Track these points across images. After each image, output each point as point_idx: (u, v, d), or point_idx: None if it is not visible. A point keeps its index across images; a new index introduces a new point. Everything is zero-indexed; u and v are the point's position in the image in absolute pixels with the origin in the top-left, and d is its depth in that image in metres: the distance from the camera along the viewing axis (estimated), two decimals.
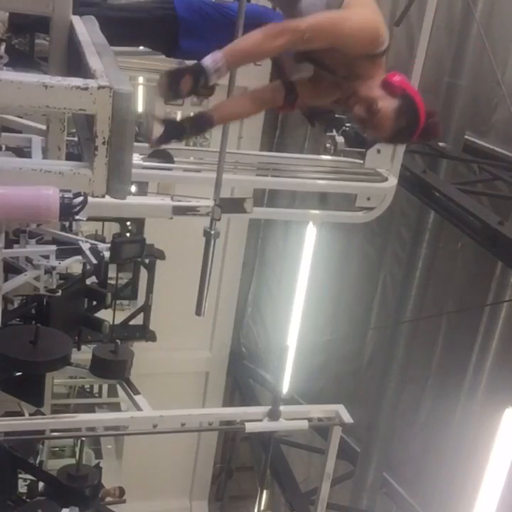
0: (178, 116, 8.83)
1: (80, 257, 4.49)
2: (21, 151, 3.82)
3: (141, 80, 7.85)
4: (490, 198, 5.78)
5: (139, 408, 4.02)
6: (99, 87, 2.02)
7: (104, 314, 5.47)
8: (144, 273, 7.55)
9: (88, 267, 4.70)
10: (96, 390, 10.35)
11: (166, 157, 3.34)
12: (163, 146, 3.02)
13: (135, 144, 2.22)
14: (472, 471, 5.83)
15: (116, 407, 8.52)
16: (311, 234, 8.35)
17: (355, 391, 7.70)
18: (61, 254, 4.38)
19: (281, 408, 3.81)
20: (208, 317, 9.26)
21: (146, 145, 2.96)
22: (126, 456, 9.84)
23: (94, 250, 4.48)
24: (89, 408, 9.44)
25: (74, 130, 3.10)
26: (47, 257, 4.31)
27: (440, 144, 5.85)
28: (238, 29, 2.52)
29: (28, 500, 4.60)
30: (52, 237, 4.40)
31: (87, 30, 2.59)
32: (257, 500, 6.37)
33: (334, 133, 4.95)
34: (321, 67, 2.64)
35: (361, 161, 3.98)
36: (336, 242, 8.04)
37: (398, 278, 6.91)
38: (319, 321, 8.44)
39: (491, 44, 5.43)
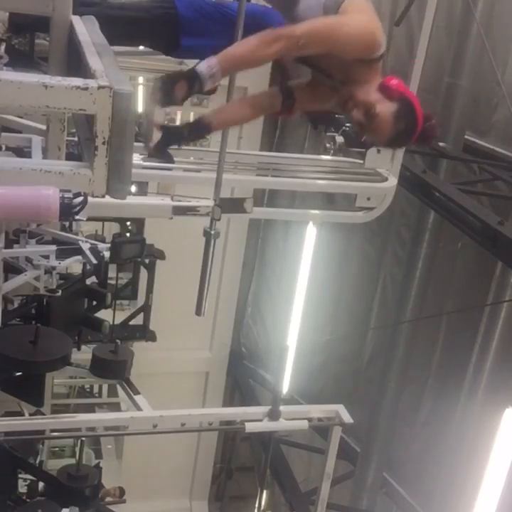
0: (178, 116, 8.86)
1: (79, 257, 4.49)
2: (21, 151, 3.82)
3: (141, 79, 7.85)
4: (490, 198, 5.78)
5: (139, 408, 4.02)
6: (99, 87, 2.02)
7: (104, 314, 5.47)
8: (144, 273, 7.55)
9: (88, 267, 4.69)
10: (96, 390, 10.35)
11: (166, 157, 3.34)
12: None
13: (135, 143, 2.22)
14: (472, 471, 5.83)
15: (116, 407, 8.52)
16: (311, 234, 8.35)
17: (355, 391, 7.70)
18: (61, 254, 4.38)
19: (281, 408, 3.81)
20: (208, 317, 9.26)
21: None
22: (126, 456, 9.84)
23: (94, 250, 4.48)
24: (89, 408, 9.43)
25: (74, 130, 3.10)
26: (47, 257, 4.31)
27: (440, 144, 5.85)
28: (238, 29, 2.52)
29: (28, 500, 4.60)
30: (52, 237, 4.40)
31: (87, 30, 2.59)
32: (257, 500, 6.38)
33: (334, 133, 4.96)
34: (318, 71, 2.63)
35: (361, 161, 3.98)
36: (336, 242, 8.04)
37: (398, 278, 6.91)
38: (319, 321, 8.44)
39: (491, 44, 5.43)
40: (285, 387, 8.34)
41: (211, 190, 3.02)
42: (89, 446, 8.51)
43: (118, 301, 7.05)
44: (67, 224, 4.50)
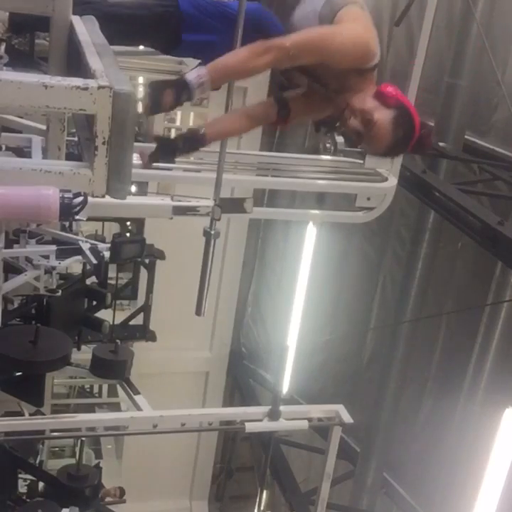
0: (178, 116, 8.84)
1: (79, 257, 4.49)
2: (21, 151, 3.82)
3: (141, 79, 7.85)
4: (490, 198, 5.78)
5: (139, 408, 4.02)
6: (99, 87, 2.02)
7: (104, 314, 5.47)
8: (144, 273, 7.55)
9: (88, 267, 4.70)
10: (96, 390, 10.34)
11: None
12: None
13: (135, 144, 2.22)
14: (472, 471, 5.83)
15: (116, 407, 8.52)
16: (311, 234, 8.35)
17: (355, 391, 7.70)
18: (61, 254, 4.38)
19: (281, 408, 3.81)
20: (208, 317, 9.26)
21: (146, 145, 2.96)
22: (126, 456, 9.84)
23: (94, 250, 4.48)
24: (89, 408, 9.43)
25: (74, 130, 3.10)
26: (47, 257, 4.32)
27: (440, 143, 5.85)
28: (238, 30, 2.51)
29: (28, 500, 4.60)
30: (52, 237, 4.40)
31: (87, 30, 2.59)
32: (257, 500, 6.38)
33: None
34: (313, 80, 2.61)
35: (361, 161, 3.98)
36: (336, 242, 8.04)
37: (398, 278, 6.91)
38: (319, 321, 8.44)
39: (491, 44, 5.43)
40: (285, 387, 8.35)
41: (211, 190, 3.02)
42: (89, 446, 8.50)
43: (118, 301, 7.05)
44: (67, 224, 4.50)
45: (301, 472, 8.37)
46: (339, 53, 2.39)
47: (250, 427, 3.79)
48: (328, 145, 6.31)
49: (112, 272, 6.12)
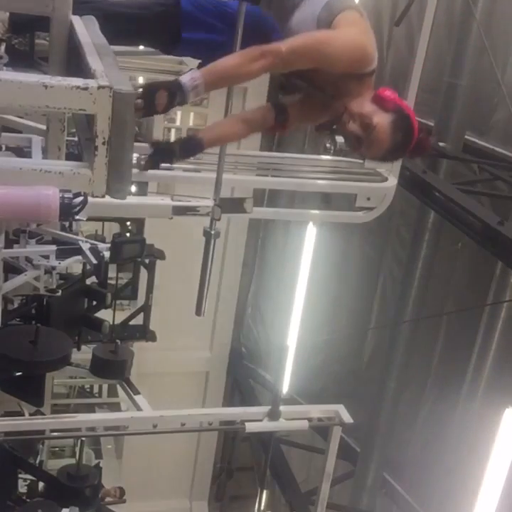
0: (178, 116, 8.84)
1: (79, 257, 4.48)
2: (21, 151, 3.82)
3: (141, 80, 7.85)
4: (490, 198, 5.78)
5: (139, 408, 4.03)
6: (99, 87, 2.02)
7: (104, 314, 5.46)
8: (144, 273, 7.55)
9: (88, 267, 4.69)
10: (96, 390, 10.34)
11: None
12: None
13: (135, 144, 2.22)
14: (472, 471, 5.83)
15: (116, 407, 8.52)
16: (311, 234, 8.35)
17: (355, 391, 7.70)
18: (61, 254, 4.38)
19: (281, 408, 3.81)
20: (208, 317, 9.26)
21: (147, 145, 2.96)
22: (126, 456, 9.84)
23: (94, 250, 4.47)
24: (89, 408, 9.43)
25: (74, 130, 3.10)
26: (47, 257, 4.31)
27: (440, 143, 5.85)
28: (237, 32, 2.51)
29: (28, 500, 4.60)
30: (52, 237, 4.39)
31: (87, 30, 2.59)
32: (257, 500, 6.38)
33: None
34: (310, 85, 2.60)
35: (361, 161, 3.97)
36: (336, 242, 8.04)
37: (398, 278, 6.91)
38: (319, 321, 8.44)
39: (491, 44, 5.43)
40: (285, 387, 8.35)
41: (211, 190, 3.02)
42: (89, 446, 8.50)
43: (118, 301, 7.04)
44: (67, 224, 4.49)
45: (301, 472, 8.37)
46: (336, 58, 2.38)
47: (250, 427, 3.79)
48: (328, 145, 6.31)
49: (112, 272, 6.11)
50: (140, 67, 7.11)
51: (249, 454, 9.58)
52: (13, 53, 3.50)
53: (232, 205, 3.31)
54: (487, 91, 5.85)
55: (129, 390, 4.37)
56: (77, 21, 2.67)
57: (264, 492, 6.82)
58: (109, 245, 4.69)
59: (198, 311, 3.09)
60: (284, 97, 2.88)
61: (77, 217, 2.16)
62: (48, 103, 2.04)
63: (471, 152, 6.02)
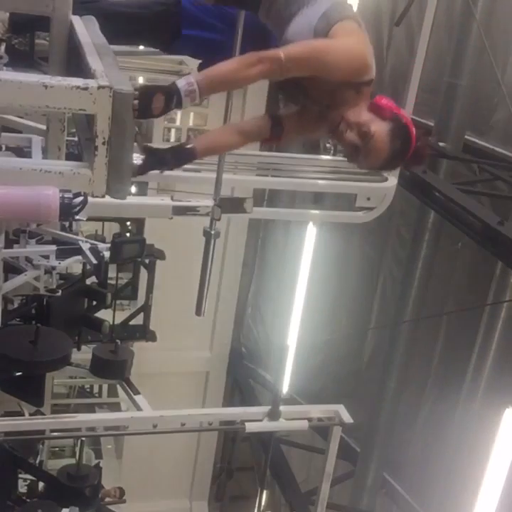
0: (178, 116, 8.82)
1: (79, 257, 4.49)
2: (21, 151, 3.82)
3: (141, 80, 7.84)
4: (490, 198, 5.78)
5: (139, 408, 4.03)
6: (99, 87, 2.02)
7: (104, 314, 5.47)
8: (144, 273, 7.55)
9: (88, 267, 4.69)
10: (96, 390, 10.35)
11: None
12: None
13: (135, 143, 2.22)
14: (472, 471, 5.83)
15: (116, 407, 8.52)
16: (311, 234, 8.35)
17: (355, 391, 7.70)
18: (61, 254, 4.38)
19: (281, 408, 3.81)
20: (208, 317, 9.25)
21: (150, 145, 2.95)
22: (126, 456, 9.84)
23: (94, 250, 4.47)
24: (89, 408, 9.43)
25: (74, 130, 3.10)
26: (47, 257, 4.31)
27: (440, 143, 5.85)
28: (237, 32, 2.51)
29: (28, 500, 4.60)
30: (52, 237, 4.39)
31: (87, 30, 2.59)
32: (257, 500, 6.36)
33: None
34: (305, 96, 2.59)
35: None
36: (336, 242, 8.04)
37: (398, 278, 6.91)
38: (319, 320, 8.44)
39: (491, 44, 5.43)
40: (285, 387, 8.34)
41: (211, 189, 3.03)
42: (89, 446, 8.49)
43: (118, 301, 7.04)
44: (67, 224, 4.50)
45: (301, 472, 8.37)
46: (334, 66, 2.37)
47: (250, 427, 3.79)
48: (328, 145, 6.32)
49: (112, 272, 6.12)
50: (140, 67, 7.09)
51: (249, 454, 9.58)
52: (13, 53, 3.51)
53: (232, 205, 3.31)
54: (487, 91, 5.85)
55: (129, 390, 4.37)
56: (77, 21, 2.67)
57: (264, 492, 6.83)
58: (109, 245, 4.69)
59: (198, 311, 3.09)
60: (281, 108, 2.86)
61: (77, 217, 2.16)
62: (48, 103, 2.04)
63: (471, 152, 6.01)
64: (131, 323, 7.54)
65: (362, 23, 2.52)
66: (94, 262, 4.45)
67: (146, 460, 9.58)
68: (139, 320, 7.56)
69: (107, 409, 9.06)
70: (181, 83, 2.24)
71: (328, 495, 4.10)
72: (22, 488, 4.96)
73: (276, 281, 9.72)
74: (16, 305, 4.66)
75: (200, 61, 3.47)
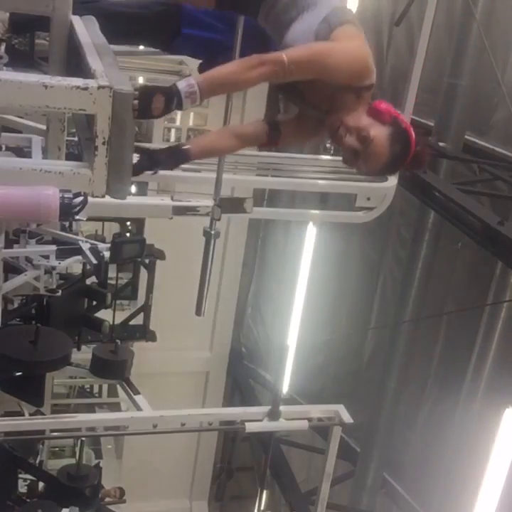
0: (178, 116, 8.82)
1: (79, 257, 4.49)
2: (21, 151, 3.82)
3: (141, 80, 7.85)
4: (490, 198, 5.78)
5: (139, 408, 4.03)
6: (99, 87, 2.02)
7: (104, 314, 5.47)
8: (144, 273, 7.55)
9: (88, 267, 4.69)
10: (96, 390, 10.35)
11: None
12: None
13: (135, 143, 2.22)
14: (472, 471, 5.83)
15: (116, 407, 8.52)
16: (311, 234, 8.35)
17: (355, 391, 7.70)
18: (61, 254, 4.38)
19: (281, 408, 3.81)
20: (208, 317, 9.26)
21: (147, 145, 2.95)
22: (126, 456, 9.84)
23: (94, 250, 4.47)
24: (89, 408, 9.43)
25: (74, 130, 3.10)
26: (47, 257, 4.31)
27: (440, 143, 5.85)
28: (237, 41, 2.51)
29: (28, 500, 4.60)
30: (52, 237, 4.39)
31: (87, 30, 2.59)
32: (257, 500, 6.36)
33: None
34: (303, 102, 2.59)
35: None
36: (336, 242, 8.04)
37: (398, 278, 6.91)
38: (319, 321, 8.44)
39: (491, 44, 5.43)
40: (285, 387, 8.34)
41: (211, 189, 3.03)
42: (89, 446, 8.50)
43: (118, 301, 7.05)
44: (67, 224, 4.50)
45: (301, 472, 8.37)
46: (336, 69, 2.36)
47: (250, 427, 3.79)
48: (328, 145, 6.31)
49: (112, 272, 6.12)
50: (140, 67, 7.10)
51: (249, 454, 9.58)
52: (13, 53, 3.51)
53: (232, 205, 3.31)
54: (487, 91, 5.85)
55: (129, 390, 4.37)
56: (77, 21, 2.67)
57: (264, 492, 6.82)
58: (109, 245, 4.69)
59: (198, 311, 3.09)
60: (281, 110, 2.85)
61: (77, 217, 2.16)
62: (48, 103, 2.04)
63: (471, 152, 6.01)
64: (131, 323, 7.55)
65: (361, 28, 2.52)
66: (94, 262, 4.45)
67: (146, 460, 9.58)
68: (139, 320, 7.57)
69: (107, 409, 9.07)
70: (182, 85, 2.23)
71: (328, 495, 4.10)
72: (22, 488, 4.96)
73: (276, 281, 9.72)
74: (16, 305, 4.67)
75: (200, 61, 3.47)
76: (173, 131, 9.03)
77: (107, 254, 4.59)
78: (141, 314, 7.54)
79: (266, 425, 3.82)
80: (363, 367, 7.90)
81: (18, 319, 4.61)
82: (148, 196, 3.87)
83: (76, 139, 3.02)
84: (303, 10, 2.49)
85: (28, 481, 5.03)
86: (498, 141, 5.93)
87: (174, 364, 9.51)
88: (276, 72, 2.32)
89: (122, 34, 3.16)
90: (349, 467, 7.47)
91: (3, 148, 4.04)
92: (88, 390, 10.34)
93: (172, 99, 2.22)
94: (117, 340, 4.91)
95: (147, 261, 7.21)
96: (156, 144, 7.28)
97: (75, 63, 2.51)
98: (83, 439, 4.75)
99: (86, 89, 2.01)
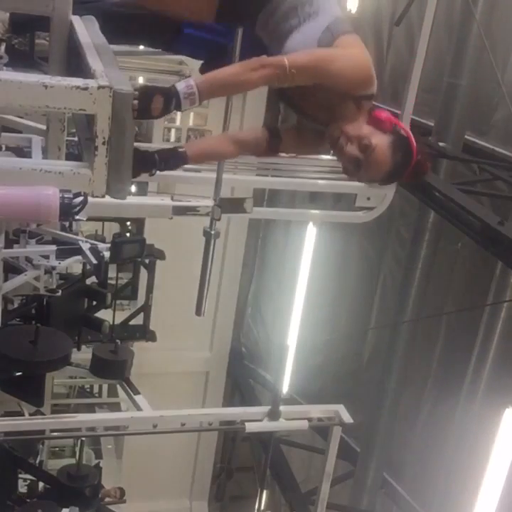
0: (178, 116, 8.83)
1: (79, 257, 4.49)
2: (21, 151, 3.82)
3: (141, 80, 7.85)
4: (490, 198, 5.78)
5: (139, 408, 4.03)
6: (99, 87, 2.02)
7: (104, 314, 5.47)
8: (144, 273, 7.55)
9: (88, 267, 4.69)
10: (96, 390, 10.35)
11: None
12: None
13: (135, 143, 2.22)
14: (472, 471, 5.83)
15: (116, 407, 8.51)
16: (311, 234, 8.35)
17: (354, 391, 7.70)
18: (61, 254, 4.38)
19: (281, 408, 3.81)
20: (208, 317, 9.26)
21: (147, 145, 2.95)
22: (126, 456, 9.84)
23: (94, 250, 4.47)
24: (89, 408, 9.43)
25: (74, 130, 3.10)
26: (47, 257, 4.31)
27: (440, 143, 5.85)
28: (236, 49, 2.51)
29: (28, 500, 4.60)
30: (52, 237, 4.39)
31: (87, 30, 2.58)
32: (257, 500, 6.37)
33: None
34: (301, 112, 2.58)
35: None
36: (336, 242, 8.04)
37: (398, 278, 6.91)
38: (319, 321, 8.44)
39: (491, 44, 5.43)
40: (285, 387, 8.35)
41: (211, 189, 3.02)
42: (89, 446, 8.50)
43: (118, 301, 7.05)
44: (67, 224, 4.50)
45: (301, 472, 8.37)
46: (339, 74, 2.35)
47: (250, 427, 3.79)
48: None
49: (112, 272, 6.12)
50: (140, 67, 7.11)
51: (249, 454, 9.58)
52: (13, 53, 3.50)
53: (232, 205, 3.30)
54: (487, 91, 5.85)
55: (129, 390, 4.37)
56: (77, 21, 2.67)
57: (264, 492, 6.82)
58: (109, 245, 4.69)
59: (198, 311, 3.09)
60: (281, 110, 2.84)
61: (77, 217, 2.15)
62: (48, 103, 2.04)
63: (471, 152, 6.01)
64: (131, 323, 7.55)
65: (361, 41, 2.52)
66: (94, 262, 4.45)
67: (146, 460, 9.58)
68: (139, 320, 7.57)
69: (107, 409, 9.06)
70: (181, 86, 2.23)
71: (328, 495, 4.10)
72: (22, 488, 4.96)
73: (276, 281, 9.73)
74: (16, 305, 4.67)
75: (200, 61, 3.47)
76: (173, 131, 9.03)
77: (107, 254, 4.59)
78: (141, 314, 7.54)
79: (266, 425, 3.82)
80: (362, 367, 7.90)
81: (18, 319, 4.61)
82: (148, 196, 3.87)
83: (76, 139, 3.02)
84: (304, 19, 2.47)
85: (28, 481, 5.03)
86: (498, 141, 5.94)
87: (174, 364, 9.51)
88: (277, 75, 2.30)
89: (122, 34, 3.15)
90: (349, 467, 7.47)
91: (3, 148, 4.04)
92: (88, 390, 10.34)
93: (171, 100, 2.22)
94: (117, 340, 4.91)
95: (147, 261, 7.21)
96: (156, 144, 7.29)
97: (75, 63, 2.51)
98: (83, 439, 4.74)
99: (86, 89, 2.01)
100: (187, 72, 7.14)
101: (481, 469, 5.69)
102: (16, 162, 2.27)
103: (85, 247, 4.45)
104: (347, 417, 3.86)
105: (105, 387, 9.71)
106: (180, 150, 2.54)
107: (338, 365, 8.29)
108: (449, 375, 6.51)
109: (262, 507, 6.85)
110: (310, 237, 8.38)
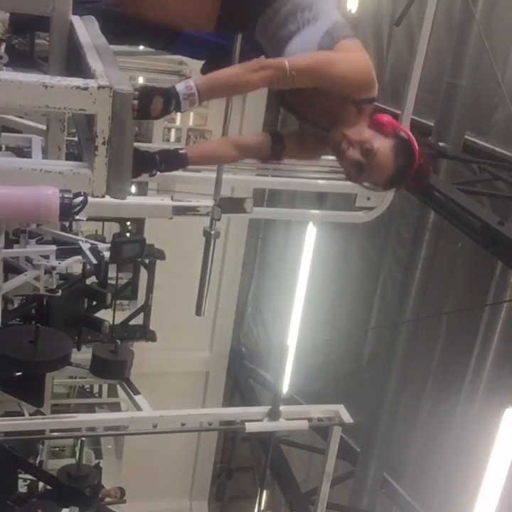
0: (178, 116, 8.82)
1: (79, 257, 4.48)
2: (21, 151, 3.82)
3: (141, 80, 7.85)
4: (490, 198, 5.78)
5: (139, 408, 4.03)
6: (99, 87, 2.02)
7: (104, 314, 5.47)
8: (144, 273, 7.55)
9: (88, 267, 4.69)
10: (96, 390, 10.34)
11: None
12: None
13: (135, 144, 2.22)
14: (472, 471, 5.83)
15: (116, 407, 8.51)
16: (311, 234, 8.35)
17: (354, 391, 7.70)
18: (61, 254, 4.38)
19: (281, 408, 3.81)
20: (208, 317, 9.26)
21: (147, 145, 2.95)
22: (126, 456, 9.84)
23: (94, 250, 4.47)
24: (89, 408, 9.42)
25: (74, 130, 3.10)
26: (47, 257, 4.31)
27: (440, 143, 5.85)
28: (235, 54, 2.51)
29: (28, 500, 4.60)
30: (52, 237, 4.39)
31: (87, 30, 2.59)
32: (257, 500, 6.37)
33: None
34: (301, 118, 2.57)
35: None
36: (336, 242, 8.04)
37: (398, 278, 6.91)
38: (319, 320, 8.44)
39: (491, 44, 5.43)
40: (285, 387, 8.35)
41: (211, 189, 3.02)
42: (89, 446, 8.50)
43: (118, 301, 7.05)
44: (67, 224, 4.49)
45: (301, 472, 8.37)
46: (340, 77, 2.34)
47: (250, 427, 3.79)
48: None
49: (112, 272, 6.12)
50: (140, 67, 7.11)
51: (249, 454, 9.58)
52: (13, 53, 3.50)
53: (232, 205, 3.31)
54: (487, 91, 5.85)
55: (129, 390, 4.37)
56: (77, 21, 2.67)
57: (264, 492, 6.83)
58: (109, 245, 4.69)
59: (198, 311, 3.09)
60: (280, 112, 2.83)
61: (77, 217, 2.16)
62: (48, 103, 2.04)
63: (471, 152, 6.01)
64: (131, 323, 7.55)
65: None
66: (94, 262, 4.45)
67: (146, 460, 9.59)
68: (139, 320, 7.57)
69: (107, 409, 9.06)
70: (180, 87, 2.23)
71: (328, 495, 4.10)
72: (22, 488, 4.96)
73: (276, 281, 9.73)
74: (16, 305, 4.66)
75: (199, 61, 3.47)
76: (173, 131, 9.03)
77: (107, 254, 4.59)
78: (141, 314, 7.54)
79: (266, 425, 3.82)
80: (362, 367, 7.90)
81: (18, 319, 4.61)
82: (148, 196, 3.87)
83: (76, 139, 3.02)
84: (303, 24, 2.46)
85: (28, 481, 5.03)
86: (498, 141, 5.94)
87: (174, 364, 9.52)
88: (277, 77, 2.30)
89: (122, 34, 3.15)
90: (349, 467, 7.47)
91: (3, 148, 4.04)
92: (88, 390, 10.34)
93: (170, 101, 2.22)
94: (117, 340, 4.91)
95: (147, 261, 7.21)
96: (156, 144, 7.30)
97: (75, 63, 2.51)
98: (83, 439, 4.75)
99: (86, 89, 2.01)
100: (187, 72, 7.14)
101: (481, 469, 5.69)
102: (16, 162, 2.27)
103: (85, 247, 4.45)
104: (347, 417, 3.86)
105: (105, 387, 9.70)
106: (181, 151, 2.53)
107: (338, 365, 8.29)
108: (449, 375, 6.51)
109: (262, 507, 6.86)
110: (310, 237, 8.38)
